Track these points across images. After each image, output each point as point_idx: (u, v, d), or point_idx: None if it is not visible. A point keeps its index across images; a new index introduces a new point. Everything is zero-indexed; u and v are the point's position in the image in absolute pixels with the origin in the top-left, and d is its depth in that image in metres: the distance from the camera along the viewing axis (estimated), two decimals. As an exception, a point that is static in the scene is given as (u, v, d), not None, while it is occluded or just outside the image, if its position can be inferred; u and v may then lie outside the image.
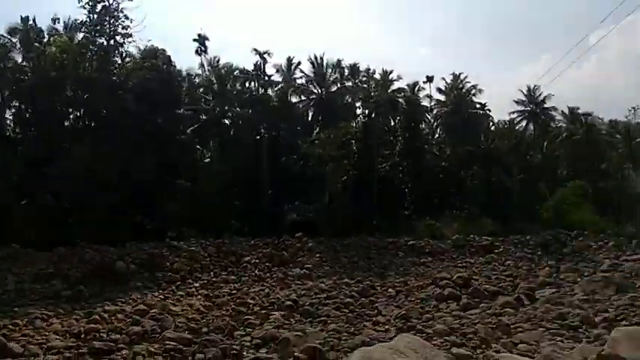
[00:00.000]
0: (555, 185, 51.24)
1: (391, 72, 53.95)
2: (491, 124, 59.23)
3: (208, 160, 37.67)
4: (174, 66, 36.47)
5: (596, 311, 13.29)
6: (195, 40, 43.14)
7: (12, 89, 32.67)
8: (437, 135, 56.43)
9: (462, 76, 55.91)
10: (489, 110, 59.06)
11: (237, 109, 40.35)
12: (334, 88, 46.04)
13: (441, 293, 20.17)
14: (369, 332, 13.13)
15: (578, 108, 62.71)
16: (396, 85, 53.35)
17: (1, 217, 24.48)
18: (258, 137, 40.10)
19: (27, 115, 31.42)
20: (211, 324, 15.10)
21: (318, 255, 28.10)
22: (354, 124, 50.20)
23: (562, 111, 62.33)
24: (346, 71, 49.87)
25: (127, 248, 24.21)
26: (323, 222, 32.78)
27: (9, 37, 34.71)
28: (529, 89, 60.98)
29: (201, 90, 39.68)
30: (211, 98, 38.14)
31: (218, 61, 43.18)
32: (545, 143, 62.78)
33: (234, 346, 12.02)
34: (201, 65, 43.56)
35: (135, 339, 13.44)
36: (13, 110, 33.81)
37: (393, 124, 52.06)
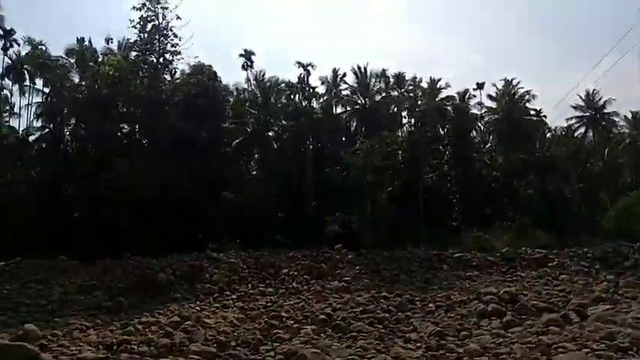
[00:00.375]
0: (618, 194, 48.01)
1: (439, 80, 52.76)
2: (547, 131, 56.49)
3: (254, 172, 38.13)
4: (220, 81, 37.38)
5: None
6: (241, 55, 44.14)
7: (69, 107, 34.55)
8: (488, 144, 54.39)
9: (514, 82, 53.73)
10: (545, 116, 56.48)
11: (282, 121, 40.68)
12: (378, 98, 45.43)
13: (485, 309, 19.07)
14: (398, 350, 12.51)
15: (637, 112, 58.72)
16: (444, 94, 52.06)
17: (54, 230, 25.71)
18: (301, 149, 40.18)
19: (82, 132, 33.06)
20: (241, 337, 14.96)
21: (357, 267, 27.54)
22: (400, 134, 49.49)
23: (624, 116, 58.53)
24: (392, 80, 49.21)
25: (168, 260, 24.68)
26: (365, 233, 32.15)
27: (67, 58, 36.83)
28: (587, 94, 57.76)
29: (247, 104, 40.35)
30: (256, 112, 38.66)
31: (264, 75, 43.91)
32: (607, 150, 59.17)
33: (259, 361, 11.79)
34: (248, 80, 44.45)
35: (163, 351, 13.52)
36: (70, 127, 35.70)
37: (441, 132, 50.74)
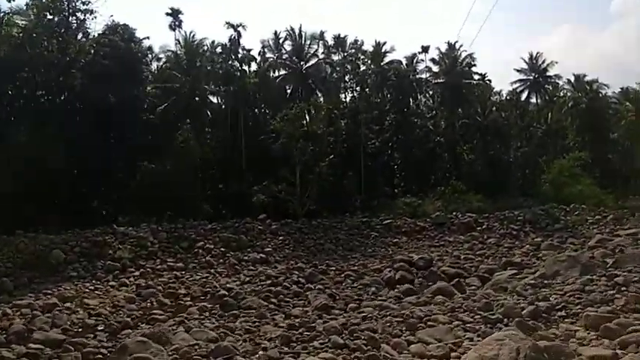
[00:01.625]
0: (560, 157, 48.51)
1: (384, 43, 51.23)
2: (493, 95, 56.18)
3: (181, 140, 35.85)
4: (140, 42, 34.61)
5: (537, 299, 11.29)
6: (168, 14, 41.13)
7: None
8: (433, 110, 53.64)
9: (457, 45, 52.76)
10: (489, 81, 56.10)
11: (211, 86, 38.42)
12: (314, 62, 43.59)
13: (391, 277, 18.39)
14: (266, 329, 11.43)
15: (585, 75, 59.05)
16: (390, 57, 50.63)
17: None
18: (234, 116, 38.21)
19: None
20: (111, 320, 13.57)
21: (281, 238, 26.43)
22: (344, 99, 48.08)
23: (568, 79, 58.82)
24: (331, 43, 47.39)
25: (68, 236, 22.80)
26: (293, 203, 30.93)
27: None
28: (531, 57, 57.60)
29: (173, 68, 37.72)
30: (181, 76, 36.19)
31: (194, 37, 41.20)
32: (550, 114, 59.72)
33: (103, 350, 10.44)
34: (177, 42, 41.58)
35: (12, 339, 12.01)
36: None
37: (385, 98, 49.62)
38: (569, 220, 34.07)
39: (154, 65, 40.03)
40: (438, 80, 50.68)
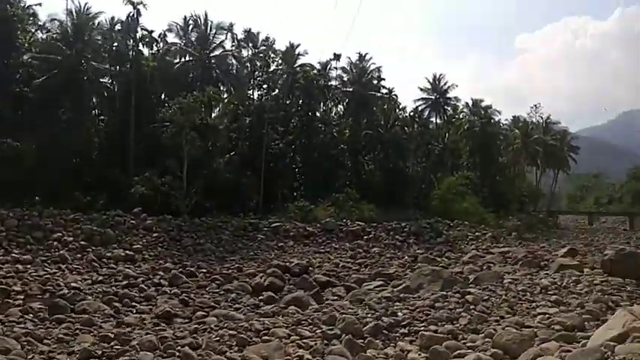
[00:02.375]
0: (453, 174, 50.87)
1: (298, 46, 50.63)
2: (397, 110, 57.71)
3: (63, 120, 32.37)
4: (19, 5, 30.76)
5: (385, 313, 10.85)
6: (67, -21, 37.00)
7: None
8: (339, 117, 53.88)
9: (367, 57, 53.63)
10: (396, 96, 57.67)
11: (101, 64, 35.15)
12: (219, 52, 41.73)
13: (260, 283, 17.44)
14: (84, 338, 9.87)
15: (482, 100, 62.97)
16: (302, 61, 50.08)
17: None
18: (123, 99, 35.31)
19: None
20: None
21: (155, 235, 24.47)
22: (251, 96, 46.78)
23: (466, 102, 62.31)
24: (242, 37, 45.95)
25: None
26: (178, 197, 28.96)
27: None
28: (434, 77, 60.20)
29: (58, 39, 33.92)
30: (66, 49, 32.63)
31: (88, 9, 37.50)
32: (448, 133, 62.81)
33: None
34: (69, 13, 37.58)
35: None
36: None
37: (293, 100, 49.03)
38: (451, 235, 35.59)
39: (41, 35, 35.86)
40: (347, 89, 51.07)
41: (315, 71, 50.72)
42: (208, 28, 38.19)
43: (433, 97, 59.72)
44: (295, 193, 43.91)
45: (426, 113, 60.16)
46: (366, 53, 52.01)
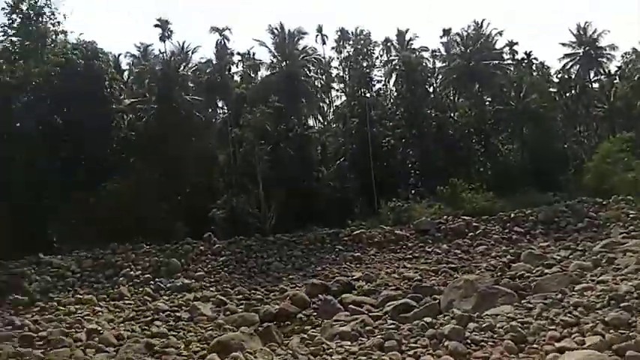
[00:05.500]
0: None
1: (407, 31, 46.52)
2: (536, 75, 49.06)
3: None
4: (107, 58, 34.00)
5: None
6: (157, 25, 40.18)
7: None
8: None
9: (484, 24, 46.63)
10: (535, 59, 49.23)
11: (192, 97, 36.65)
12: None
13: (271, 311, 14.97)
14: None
15: (651, 41, 49.57)
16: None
17: None
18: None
19: None
20: None
21: (222, 259, 23.67)
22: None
23: (633, 48, 49.88)
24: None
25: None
26: (258, 217, 27.91)
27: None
28: (578, 27, 49.49)
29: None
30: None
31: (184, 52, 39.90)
32: (614, 91, 50.99)
33: None
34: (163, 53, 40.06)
35: None
36: None
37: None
38: (602, 217, 27.66)
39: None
40: (456, 63, 44.68)
41: (421, 54, 46.27)
42: (286, 35, 37.12)
43: (581, 51, 49.17)
44: (413, 191, 39.83)
45: (574, 71, 49.87)
46: (483, 19, 45.21)
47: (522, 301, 10.63)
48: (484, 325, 8.92)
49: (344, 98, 46.95)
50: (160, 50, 38.54)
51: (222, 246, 24.67)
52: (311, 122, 47.13)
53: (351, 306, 13.77)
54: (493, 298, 11.20)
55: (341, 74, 47.12)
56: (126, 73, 42.89)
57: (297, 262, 23.58)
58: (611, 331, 8.07)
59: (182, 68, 36.93)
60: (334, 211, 33.83)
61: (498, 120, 43.37)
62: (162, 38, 40.23)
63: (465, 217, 27.34)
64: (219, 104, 41.57)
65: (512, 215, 27.31)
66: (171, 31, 40.31)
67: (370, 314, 13.14)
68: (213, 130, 34.71)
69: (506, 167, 40.45)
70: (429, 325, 9.61)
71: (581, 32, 48.93)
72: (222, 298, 17.79)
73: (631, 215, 27.58)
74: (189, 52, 38.55)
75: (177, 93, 35.04)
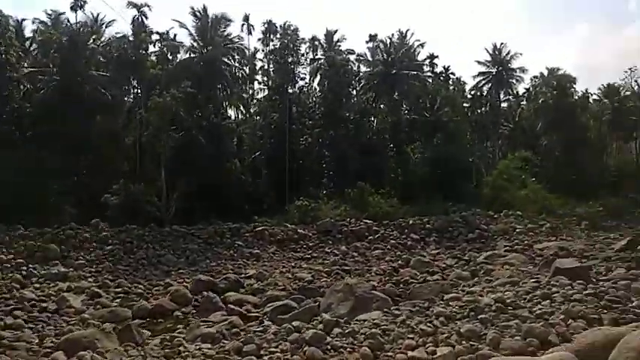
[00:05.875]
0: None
1: (336, 32, 46.61)
2: (454, 90, 51.20)
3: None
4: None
5: None
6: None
7: None
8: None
9: (408, 34, 47.91)
10: (452, 74, 51.46)
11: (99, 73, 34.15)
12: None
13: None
14: None
15: (558, 69, 53.54)
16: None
17: None
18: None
19: None
20: None
21: (109, 247, 22.17)
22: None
23: (540, 73, 53.65)
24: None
25: None
26: (157, 206, 26.58)
27: None
28: (494, 47, 52.27)
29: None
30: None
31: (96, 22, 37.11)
32: (520, 111, 54.69)
33: None
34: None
35: None
36: None
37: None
38: (492, 229, 29.35)
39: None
40: (377, 70, 45.45)
41: (348, 56, 46.56)
42: (209, 21, 35.66)
43: (494, 71, 52.07)
44: (325, 191, 40.02)
45: (486, 89, 52.79)
46: (407, 30, 46.36)
47: (392, 308, 10.76)
48: (347, 331, 8.83)
49: (267, 92, 46.15)
50: (67, 20, 35.42)
51: (110, 234, 23.09)
52: (232, 113, 45.88)
53: (230, 305, 13.22)
54: (368, 303, 11.22)
55: (266, 67, 46.26)
56: (31, 42, 39.21)
57: (192, 256, 22.59)
58: (463, 342, 8.27)
59: (91, 41, 34.48)
60: (244, 206, 33.22)
61: (413, 129, 44.78)
62: (74, 7, 37.25)
63: (367, 221, 27.81)
64: (135, 84, 39.24)
65: (411, 222, 28.22)
66: (84, 1, 37.45)
67: (249, 314, 12.75)
68: (122, 111, 32.48)
69: (416, 175, 42.07)
70: (295, 329, 9.36)
71: (496, 52, 51.75)
72: (98, 290, 16.46)
73: (517, 229, 29.59)
74: (104, 25, 35.97)
75: (83, 66, 32.63)
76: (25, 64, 33.70)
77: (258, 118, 46.66)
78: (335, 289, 12.23)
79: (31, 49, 36.63)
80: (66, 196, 27.78)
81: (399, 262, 21.11)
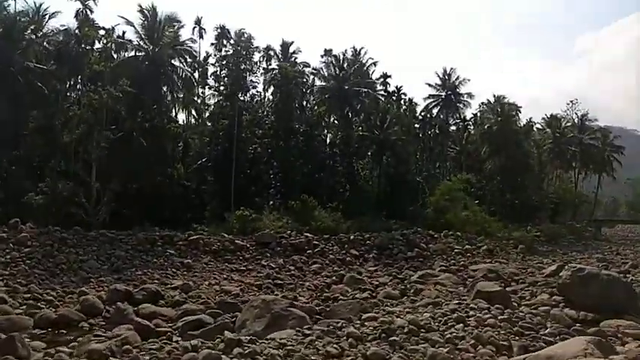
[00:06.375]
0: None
1: (292, 43, 46.36)
2: (404, 111, 51.94)
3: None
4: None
5: None
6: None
7: None
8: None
9: (362, 51, 48.37)
10: (403, 95, 52.27)
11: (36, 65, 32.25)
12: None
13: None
14: None
15: (504, 97, 55.51)
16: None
17: None
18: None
19: None
20: None
21: (27, 250, 20.62)
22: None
23: (488, 100, 55.49)
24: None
25: None
26: (86, 208, 25.12)
27: None
28: (444, 71, 53.80)
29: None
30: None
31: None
32: (466, 135, 56.27)
33: None
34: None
35: None
36: None
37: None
38: (431, 249, 29.64)
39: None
40: (330, 85, 45.49)
41: (300, 68, 46.47)
42: (157, 20, 34.53)
43: (443, 94, 53.47)
44: (272, 202, 39.43)
45: (435, 112, 54.13)
46: (362, 48, 46.78)
47: (305, 327, 10.31)
48: (247, 351, 8.28)
49: (218, 98, 45.27)
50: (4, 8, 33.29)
51: (30, 235, 21.52)
52: (182, 117, 44.69)
53: (137, 319, 12.38)
54: (285, 321, 10.72)
55: (217, 72, 45.39)
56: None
57: (117, 264, 21.35)
58: (368, 365, 7.94)
59: (29, 32, 32.56)
60: (185, 214, 32.09)
61: (362, 145, 45.09)
62: (14, -5, 35.10)
63: (307, 235, 27.40)
64: (78, 79, 37.37)
65: (352, 237, 28.07)
66: (27, -10, 35.44)
67: (157, 329, 11.94)
68: (59, 106, 30.72)
69: (364, 192, 42.28)
70: (192, 348, 8.71)
71: (446, 77, 53.24)
72: (3, 295, 15.12)
73: (456, 250, 30.08)
74: (46, 17, 34.11)
75: (18, 57, 30.75)
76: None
77: (209, 123, 45.69)
78: (252, 304, 11.65)
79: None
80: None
81: (334, 277, 20.74)
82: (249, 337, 9.22)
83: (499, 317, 10.46)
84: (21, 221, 22.87)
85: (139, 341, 9.89)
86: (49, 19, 34.58)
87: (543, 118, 61.61)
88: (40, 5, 34.87)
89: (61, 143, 31.74)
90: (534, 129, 58.67)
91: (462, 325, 9.80)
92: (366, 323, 10.33)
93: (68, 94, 36.55)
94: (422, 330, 9.38)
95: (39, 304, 15.08)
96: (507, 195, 46.30)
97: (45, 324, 12.72)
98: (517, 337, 9.30)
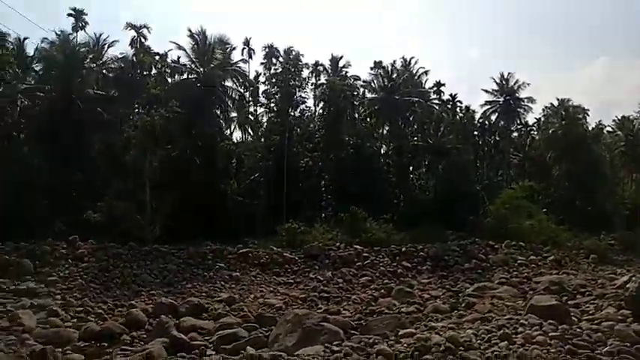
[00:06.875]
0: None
1: (341, 58, 46.45)
2: (460, 118, 50.28)
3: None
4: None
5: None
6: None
7: None
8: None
9: (412, 61, 47.62)
10: (459, 102, 50.68)
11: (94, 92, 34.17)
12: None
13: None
14: None
15: (569, 100, 52.37)
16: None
17: None
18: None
19: None
20: None
21: (84, 265, 21.54)
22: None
23: (551, 103, 52.64)
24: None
25: None
26: (142, 225, 25.95)
27: None
28: (501, 78, 51.52)
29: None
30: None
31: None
32: (529, 140, 53.47)
33: None
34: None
35: None
36: None
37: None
38: (491, 260, 27.98)
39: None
40: (379, 96, 44.96)
41: (351, 82, 46.33)
42: (207, 43, 35.67)
43: (501, 100, 51.15)
44: (324, 215, 39.24)
45: (494, 118, 51.82)
46: (412, 57, 45.99)
47: (335, 343, 9.76)
48: (268, 368, 7.91)
49: (269, 115, 46.02)
50: (61, 39, 35.72)
51: (87, 251, 22.49)
52: (238, 134, 45.88)
53: (174, 332, 12.36)
54: (317, 336, 10.26)
55: (268, 90, 46.21)
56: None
57: (169, 277, 21.81)
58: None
59: (88, 60, 34.68)
60: (239, 228, 32.52)
61: (416, 155, 43.93)
62: (75, 28, 37.83)
63: (357, 247, 26.77)
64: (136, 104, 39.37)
65: (404, 249, 27.09)
66: (85, 22, 38.05)
67: (192, 342, 11.85)
68: (118, 129, 32.37)
69: (418, 202, 40.97)
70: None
71: (503, 82, 50.96)
72: (57, 308, 15.75)
73: (519, 261, 28.20)
74: (105, 46, 36.29)
75: (78, 84, 32.80)
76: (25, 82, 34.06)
77: (261, 140, 46.44)
78: (285, 318, 11.29)
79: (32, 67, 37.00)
80: (57, 212, 27.45)
81: (382, 290, 19.99)
82: (273, 353, 8.83)
83: (550, 334, 9.40)
84: (80, 238, 24.09)
85: (163, 355, 9.79)
86: (107, 47, 36.77)
87: (614, 120, 57.38)
88: (100, 35, 37.13)
89: (121, 164, 33.41)
90: (604, 132, 54.73)
91: (506, 342, 8.87)
92: (401, 340, 9.65)
93: (130, 117, 38.56)
94: (460, 348, 8.56)
95: (89, 317, 15.56)
96: (577, 202, 43.14)
97: (89, 336, 13.03)
98: (568, 356, 8.27)
